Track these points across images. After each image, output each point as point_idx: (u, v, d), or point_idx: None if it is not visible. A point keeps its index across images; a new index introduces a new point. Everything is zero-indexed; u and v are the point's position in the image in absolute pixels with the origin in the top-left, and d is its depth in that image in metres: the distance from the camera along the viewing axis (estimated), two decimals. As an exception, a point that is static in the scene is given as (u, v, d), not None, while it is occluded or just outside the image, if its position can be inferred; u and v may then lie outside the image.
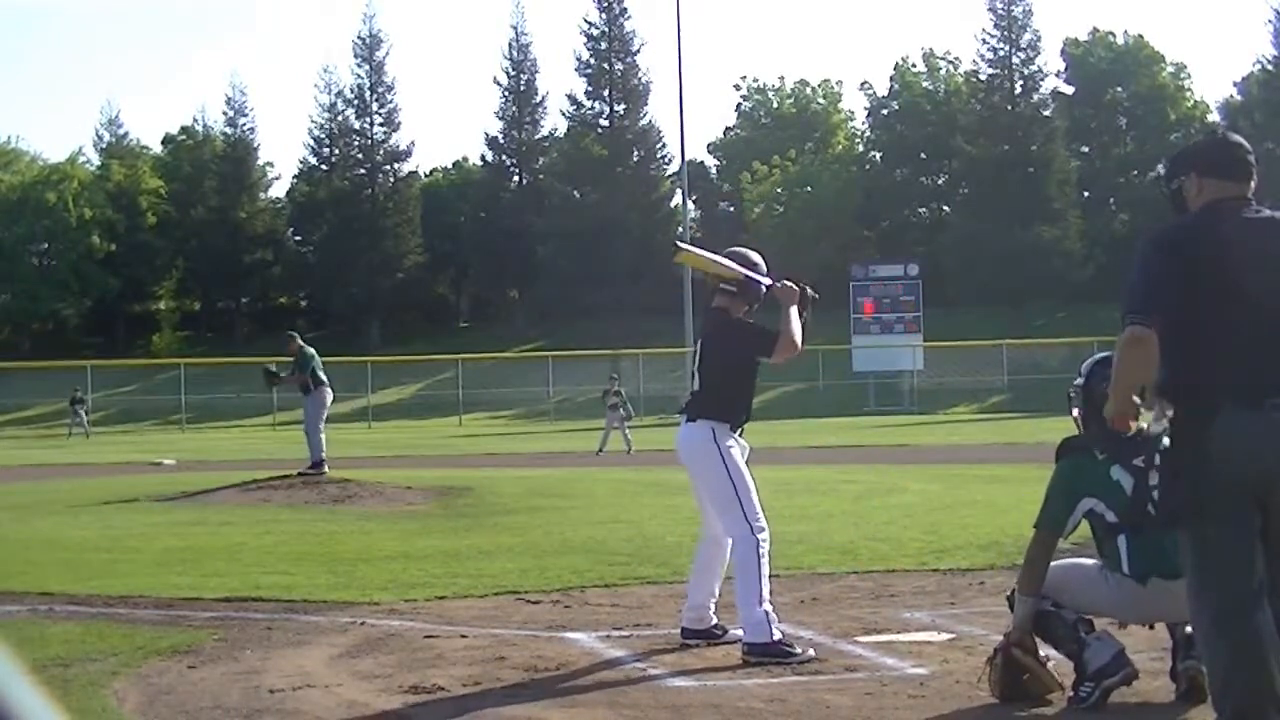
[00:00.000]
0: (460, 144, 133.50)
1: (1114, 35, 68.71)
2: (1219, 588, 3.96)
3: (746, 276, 6.42)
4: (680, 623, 6.46)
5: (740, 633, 6.16)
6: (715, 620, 6.40)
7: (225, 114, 71.40)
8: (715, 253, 6.70)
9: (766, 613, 5.97)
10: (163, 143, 74.20)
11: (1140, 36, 68.35)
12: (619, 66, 66.49)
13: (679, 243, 7.17)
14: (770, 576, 6.19)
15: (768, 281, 6.43)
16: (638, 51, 66.72)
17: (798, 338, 6.26)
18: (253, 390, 49.27)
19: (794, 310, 6.29)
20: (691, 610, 6.40)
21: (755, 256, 6.59)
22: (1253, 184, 4.12)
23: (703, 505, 6.48)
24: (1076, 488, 5.15)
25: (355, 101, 69.09)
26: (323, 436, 16.55)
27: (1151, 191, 66.33)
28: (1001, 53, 62.74)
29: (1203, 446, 3.90)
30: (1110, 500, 5.10)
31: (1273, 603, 3.94)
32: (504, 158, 70.50)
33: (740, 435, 6.39)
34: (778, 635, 5.94)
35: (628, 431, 25.94)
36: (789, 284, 6.38)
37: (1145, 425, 4.76)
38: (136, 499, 15.36)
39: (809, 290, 6.43)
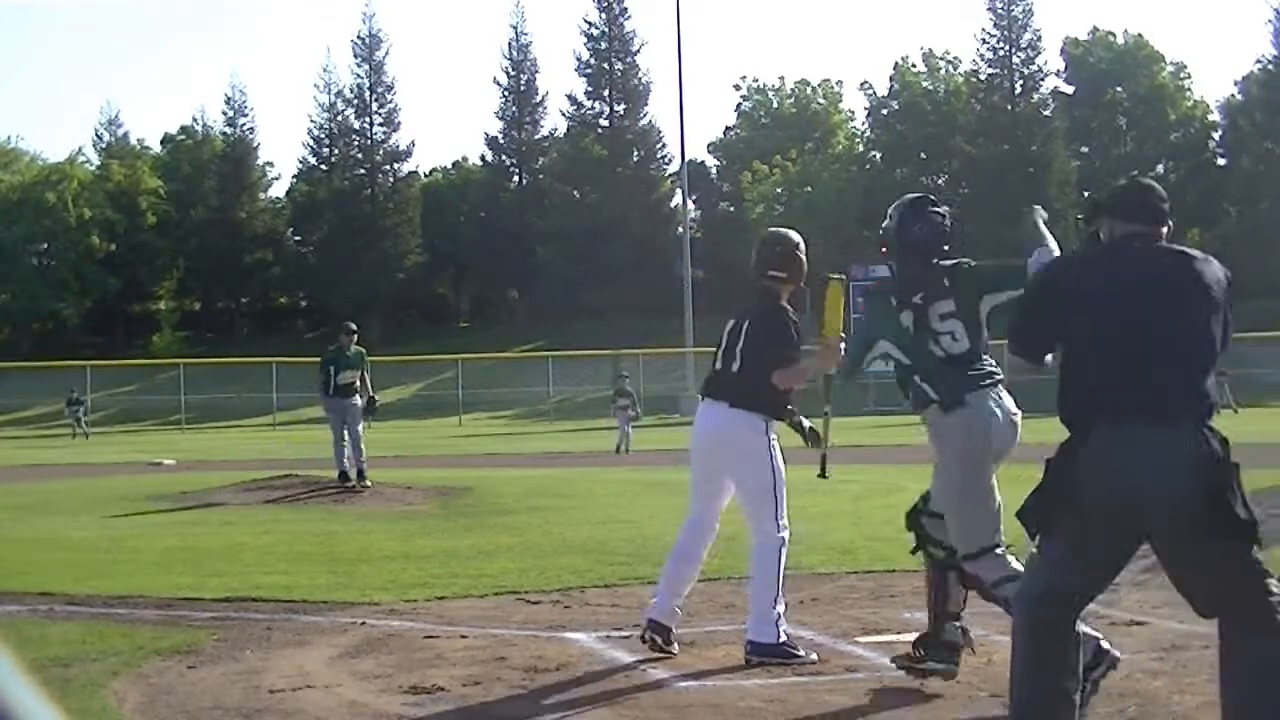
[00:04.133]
0: (460, 144, 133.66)
1: (1114, 35, 68.75)
2: (1043, 575, 4.08)
3: (841, 338, 6.05)
4: (649, 614, 6.10)
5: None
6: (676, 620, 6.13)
7: (225, 114, 71.68)
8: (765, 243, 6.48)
9: (779, 614, 5.93)
10: (162, 143, 74.34)
11: (1140, 36, 68.43)
12: (619, 66, 66.52)
13: (836, 276, 6.34)
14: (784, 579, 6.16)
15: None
16: (638, 51, 66.86)
17: (798, 380, 6.04)
18: (253, 390, 49.45)
19: (824, 365, 5.99)
20: (665, 601, 6.09)
21: (796, 237, 6.42)
22: (1165, 229, 4.19)
23: (707, 493, 6.21)
24: (872, 331, 5.38)
25: (355, 101, 69.15)
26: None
27: (1151, 191, 66.45)
28: (1001, 52, 62.74)
29: (1072, 468, 3.97)
30: (900, 342, 5.26)
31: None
32: (504, 158, 70.53)
33: None
34: (783, 637, 5.92)
35: (630, 430, 25.97)
36: (838, 346, 5.95)
37: None
38: (136, 499, 15.36)
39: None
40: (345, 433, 15.44)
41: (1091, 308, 4.08)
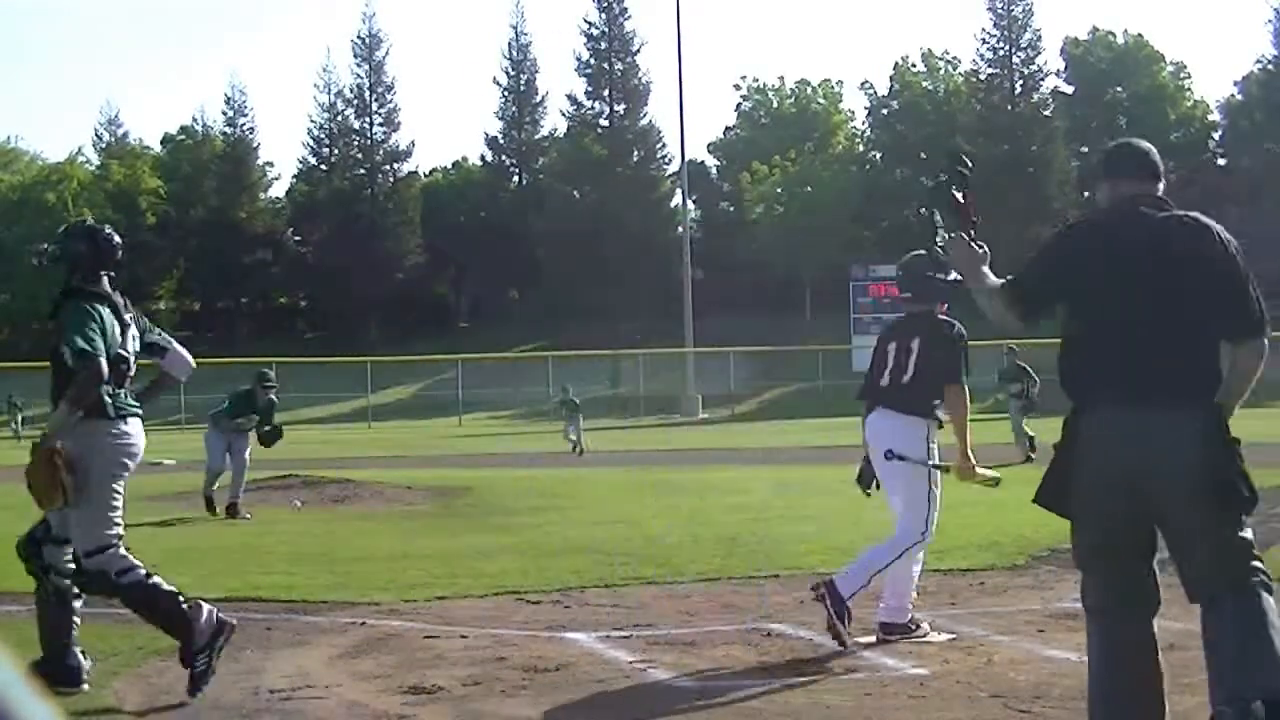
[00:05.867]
0: (460, 144, 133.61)
1: (1114, 35, 68.75)
2: (1090, 578, 4.01)
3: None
4: (880, 617, 6.38)
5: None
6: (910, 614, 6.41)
7: (225, 114, 71.64)
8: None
9: (862, 587, 6.15)
10: (162, 142, 74.28)
11: (1140, 36, 68.45)
12: (619, 66, 66.54)
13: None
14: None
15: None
16: (638, 51, 66.88)
17: (965, 393, 6.33)
18: (253, 390, 49.41)
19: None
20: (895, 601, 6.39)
21: (908, 259, 6.76)
22: (1158, 183, 4.10)
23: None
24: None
25: (355, 101, 69.17)
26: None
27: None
28: (1001, 52, 62.79)
29: (1074, 448, 3.93)
30: (122, 350, 5.56)
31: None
32: (504, 158, 70.57)
33: None
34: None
35: (579, 434, 26.35)
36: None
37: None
38: (136, 499, 15.33)
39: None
40: (227, 459, 13.86)
41: (1090, 275, 3.96)
